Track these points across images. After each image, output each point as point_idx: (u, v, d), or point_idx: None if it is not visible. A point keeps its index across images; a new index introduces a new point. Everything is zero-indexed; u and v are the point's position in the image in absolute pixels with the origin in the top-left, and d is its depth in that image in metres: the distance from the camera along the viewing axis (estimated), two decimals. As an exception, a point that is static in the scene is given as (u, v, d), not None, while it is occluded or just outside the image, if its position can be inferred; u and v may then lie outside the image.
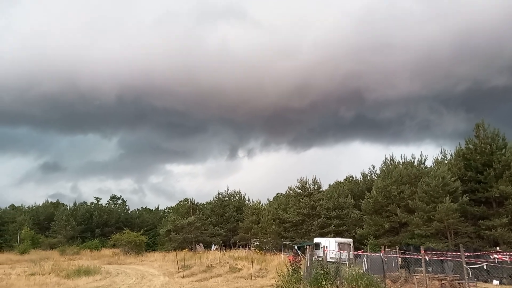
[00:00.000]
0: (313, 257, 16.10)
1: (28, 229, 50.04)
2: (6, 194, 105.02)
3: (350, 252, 24.14)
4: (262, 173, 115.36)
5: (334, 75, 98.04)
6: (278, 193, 58.30)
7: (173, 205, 69.35)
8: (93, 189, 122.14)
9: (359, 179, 45.03)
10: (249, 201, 54.14)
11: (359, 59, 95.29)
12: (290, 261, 17.14)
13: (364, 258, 17.70)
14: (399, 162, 33.63)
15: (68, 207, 61.80)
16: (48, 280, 19.49)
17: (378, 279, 14.03)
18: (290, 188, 43.28)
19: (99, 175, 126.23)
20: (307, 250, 15.82)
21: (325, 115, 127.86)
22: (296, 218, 38.56)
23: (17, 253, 42.56)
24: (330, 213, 36.92)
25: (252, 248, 41.56)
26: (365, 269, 16.43)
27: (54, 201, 68.47)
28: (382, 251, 18.60)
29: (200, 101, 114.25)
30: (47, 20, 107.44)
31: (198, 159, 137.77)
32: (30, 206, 65.23)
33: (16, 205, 67.63)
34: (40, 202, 69.10)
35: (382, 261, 15.72)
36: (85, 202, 64.31)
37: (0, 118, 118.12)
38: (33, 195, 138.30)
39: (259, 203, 49.98)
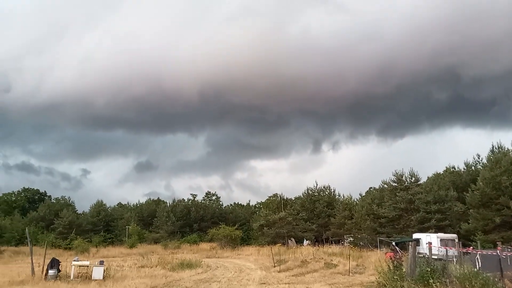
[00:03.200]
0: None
1: (135, 225, 54.68)
2: (111, 193, 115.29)
3: (454, 249, 22.39)
4: (349, 167, 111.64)
5: (422, 52, 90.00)
6: (371, 187, 56.29)
7: (263, 201, 70.67)
8: (184, 187, 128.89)
9: (462, 170, 41.54)
10: (339, 196, 53.07)
11: (451, 31, 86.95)
12: (391, 258, 16.34)
13: (478, 256, 16.16)
14: (508, 149, 30.37)
15: (168, 204, 66.10)
16: (156, 272, 20.97)
17: (495, 279, 12.71)
18: (384, 182, 41.40)
19: (189, 173, 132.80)
20: (410, 246, 14.87)
21: (416, 99, 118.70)
22: (393, 213, 36.78)
23: (127, 247, 46.73)
24: (430, 207, 34.54)
25: (346, 244, 40.65)
26: (478, 267, 14.99)
27: (155, 198, 73.91)
28: (499, 247, 16.84)
29: (279, 94, 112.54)
30: (136, 24, 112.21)
31: (281, 154, 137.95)
32: (135, 203, 71.22)
33: (123, 203, 74.32)
34: (138, 200, 75.01)
35: (500, 259, 14.20)
36: (182, 199, 68.24)
37: (97, 122, 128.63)
38: (132, 194, 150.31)
39: (351, 198, 48.73)
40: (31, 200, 79.44)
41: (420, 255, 17.53)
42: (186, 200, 67.69)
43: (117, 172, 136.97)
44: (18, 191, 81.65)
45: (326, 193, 53.47)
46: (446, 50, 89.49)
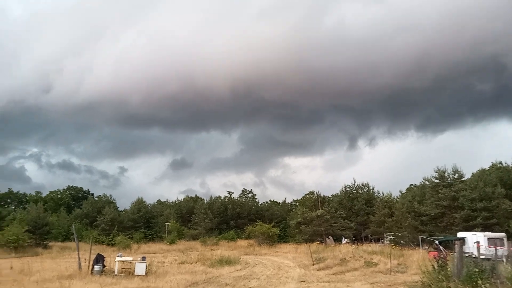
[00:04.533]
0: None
1: (174, 222, 55.82)
2: (148, 190, 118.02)
3: (503, 248, 21.40)
4: (387, 164, 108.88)
5: (461, 41, 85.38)
6: (411, 184, 54.71)
7: (299, 198, 70.27)
8: (219, 184, 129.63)
9: (510, 166, 39.56)
10: (378, 193, 51.92)
11: (492, 16, 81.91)
12: (435, 257, 15.77)
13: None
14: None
15: (205, 201, 67.01)
16: (196, 269, 21.27)
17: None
18: (425, 179, 40.11)
19: (223, 170, 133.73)
20: (455, 246, 14.28)
21: (457, 91, 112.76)
22: (435, 211, 35.58)
23: (167, 243, 47.79)
24: (476, 205, 33.14)
25: (386, 242, 39.71)
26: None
27: (193, 196, 75.12)
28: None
29: (312, 89, 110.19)
30: (170, 22, 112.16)
31: (315, 151, 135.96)
32: (173, 201, 72.70)
33: (162, 200, 76.04)
34: (175, 197, 76.29)
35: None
36: (219, 196, 69.00)
37: (134, 121, 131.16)
38: (169, 191, 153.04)
39: (390, 196, 47.51)
40: (75, 197, 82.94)
41: (466, 255, 16.83)
42: (222, 198, 68.47)
43: (154, 170, 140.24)
44: (63, 189, 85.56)
45: (365, 190, 52.49)
46: (488, 38, 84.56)
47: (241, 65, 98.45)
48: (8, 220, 45.23)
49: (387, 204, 44.35)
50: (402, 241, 37.44)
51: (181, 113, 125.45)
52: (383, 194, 50.19)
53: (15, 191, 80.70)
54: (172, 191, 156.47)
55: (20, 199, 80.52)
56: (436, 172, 38.07)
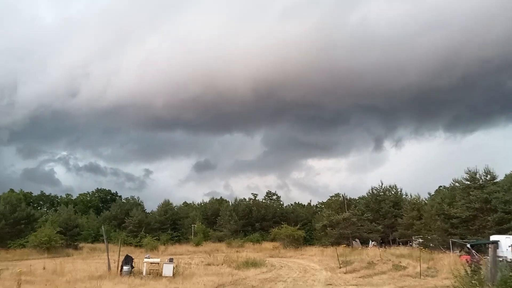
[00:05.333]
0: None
1: (200, 224, 56.33)
2: (173, 192, 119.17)
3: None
4: (415, 165, 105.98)
5: (490, 37, 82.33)
6: (440, 186, 53.31)
7: (324, 201, 69.63)
8: (242, 186, 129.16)
9: (545, 167, 37.99)
10: (406, 195, 50.84)
11: None
12: (467, 261, 15.32)
13: None
14: None
15: (230, 204, 67.29)
16: (222, 270, 21.40)
17: None
18: (455, 180, 38.98)
19: (247, 172, 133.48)
20: (489, 249, 13.83)
21: (487, 89, 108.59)
22: (466, 213, 34.52)
23: (193, 245, 48.29)
24: (510, 207, 31.97)
25: (414, 246, 38.82)
26: None
27: (218, 198, 75.57)
28: None
29: (336, 89, 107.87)
30: (193, 24, 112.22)
31: (340, 153, 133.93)
32: (199, 203, 73.35)
33: (188, 202, 76.85)
34: (199, 199, 76.77)
35: None
36: (244, 198, 69.12)
37: (158, 124, 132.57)
38: (194, 193, 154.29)
39: (419, 198, 46.41)
40: (104, 200, 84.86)
41: (499, 259, 16.26)
42: (247, 200, 68.58)
43: (178, 172, 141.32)
44: (92, 191, 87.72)
45: (392, 192, 51.49)
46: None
47: (263, 65, 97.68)
48: (41, 222, 46.67)
49: (415, 207, 43.36)
50: (431, 244, 36.51)
51: (204, 115, 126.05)
52: (411, 196, 49.13)
53: (46, 193, 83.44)
54: (197, 193, 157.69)
55: (51, 201, 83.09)
56: (467, 173, 36.96)
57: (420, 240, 39.01)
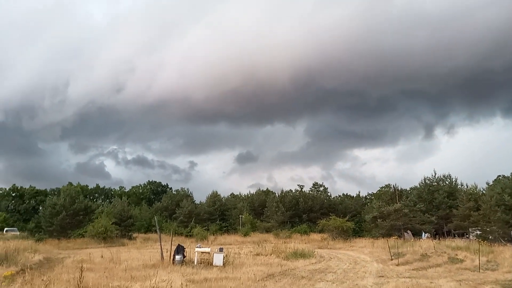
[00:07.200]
0: None
1: (247, 215, 56.97)
2: (220, 183, 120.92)
3: None
4: (469, 153, 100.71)
5: None
6: (499, 175, 50.34)
7: (374, 192, 68.01)
8: (286, 178, 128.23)
9: None
10: (462, 185, 48.47)
11: None
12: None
13: None
14: None
15: (277, 195, 67.40)
16: (271, 261, 21.44)
17: None
18: (516, 169, 36.61)
19: (289, 163, 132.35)
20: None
21: None
22: (529, 204, 32.39)
23: (241, 235, 48.91)
24: None
25: (471, 238, 36.98)
26: None
27: (264, 189, 75.94)
28: None
29: (380, 74, 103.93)
30: (233, 16, 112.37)
31: (387, 142, 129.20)
32: (246, 194, 74.16)
33: (235, 193, 77.94)
34: (244, 191, 77.25)
35: None
36: (290, 190, 69.00)
37: (200, 117, 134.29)
38: (238, 185, 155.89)
39: (476, 188, 44.10)
40: (155, 191, 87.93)
41: None
42: (293, 191, 68.38)
43: (222, 164, 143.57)
44: (144, 184, 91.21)
45: (447, 182, 49.31)
46: None
47: (302, 52, 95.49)
48: (97, 213, 49.07)
49: (472, 197, 41.23)
50: (490, 237, 34.62)
51: (245, 107, 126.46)
52: (467, 186, 46.83)
53: (101, 186, 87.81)
54: (241, 185, 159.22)
55: (106, 194, 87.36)
56: (530, 161, 34.63)
57: (478, 232, 37.10)
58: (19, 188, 79.42)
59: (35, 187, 79.66)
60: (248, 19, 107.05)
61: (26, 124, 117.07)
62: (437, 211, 45.17)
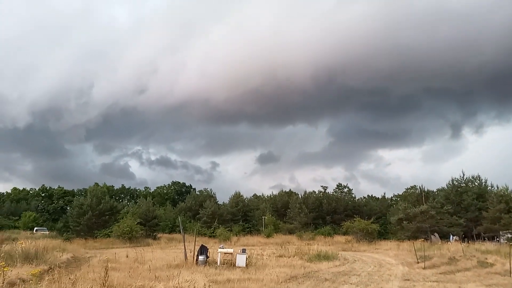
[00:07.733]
0: None
1: (270, 216, 56.80)
2: (242, 184, 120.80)
3: None
4: (499, 153, 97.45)
5: None
6: (531, 177, 48.56)
7: (399, 193, 66.69)
8: (308, 179, 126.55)
9: None
10: (492, 187, 47.02)
11: None
12: None
13: None
14: None
15: (300, 196, 66.95)
16: (294, 263, 21.28)
17: None
18: (550, 170, 35.25)
19: (312, 164, 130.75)
20: None
21: None
22: None
23: (264, 236, 48.84)
24: None
25: (502, 241, 35.79)
26: None
27: (287, 190, 75.58)
28: None
29: (404, 72, 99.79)
30: (253, 15, 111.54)
31: (412, 142, 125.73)
32: (268, 195, 73.98)
33: (258, 194, 77.87)
34: (267, 192, 76.85)
35: None
36: (313, 191, 68.44)
37: (221, 118, 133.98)
38: (260, 186, 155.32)
39: (507, 189, 42.62)
40: (179, 192, 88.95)
41: None
42: (317, 192, 67.79)
43: (243, 165, 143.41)
44: (168, 184, 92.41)
45: (476, 183, 47.91)
46: None
47: (322, 50, 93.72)
48: (123, 213, 49.98)
49: (503, 199, 39.96)
50: (522, 240, 33.46)
51: (265, 107, 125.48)
52: (497, 187, 45.36)
53: (126, 187, 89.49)
54: (263, 186, 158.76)
55: (131, 194, 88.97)
56: None
57: (509, 235, 35.92)
58: (48, 188, 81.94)
59: (63, 187, 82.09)
60: (268, 18, 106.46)
61: (53, 125, 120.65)
62: (466, 213, 43.95)
